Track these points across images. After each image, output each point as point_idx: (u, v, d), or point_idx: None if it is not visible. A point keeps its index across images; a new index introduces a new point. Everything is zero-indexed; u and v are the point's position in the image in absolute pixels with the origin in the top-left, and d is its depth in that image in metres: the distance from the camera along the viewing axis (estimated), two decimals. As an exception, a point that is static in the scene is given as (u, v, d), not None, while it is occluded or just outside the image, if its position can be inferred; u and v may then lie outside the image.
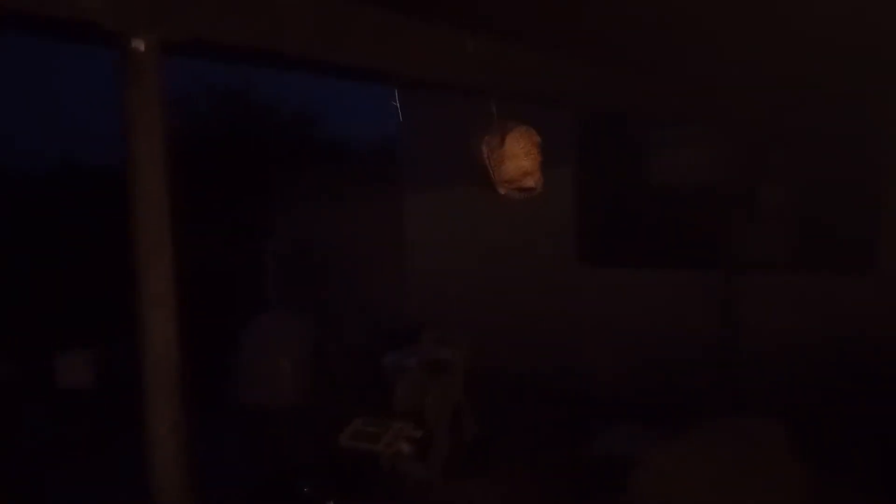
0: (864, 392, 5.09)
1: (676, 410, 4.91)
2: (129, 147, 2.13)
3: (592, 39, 3.69)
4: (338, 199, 8.03)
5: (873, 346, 5.30)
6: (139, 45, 2.17)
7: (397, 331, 6.36)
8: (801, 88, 4.96)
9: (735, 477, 3.78)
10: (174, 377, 2.05)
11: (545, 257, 7.07)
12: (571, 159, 6.96)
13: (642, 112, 5.03)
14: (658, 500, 3.83)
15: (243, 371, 5.37)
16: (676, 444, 3.94)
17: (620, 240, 6.93)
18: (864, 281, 5.78)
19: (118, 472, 3.74)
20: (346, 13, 2.85)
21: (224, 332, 5.61)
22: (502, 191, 3.50)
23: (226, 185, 8.95)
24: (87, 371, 5.88)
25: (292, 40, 2.71)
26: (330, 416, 4.99)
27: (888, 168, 5.71)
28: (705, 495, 3.74)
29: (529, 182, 3.51)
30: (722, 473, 3.79)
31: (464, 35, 3.36)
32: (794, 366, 5.58)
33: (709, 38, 3.75)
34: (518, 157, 3.46)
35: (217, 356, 5.38)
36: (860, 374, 5.24)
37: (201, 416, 2.69)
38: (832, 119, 5.55)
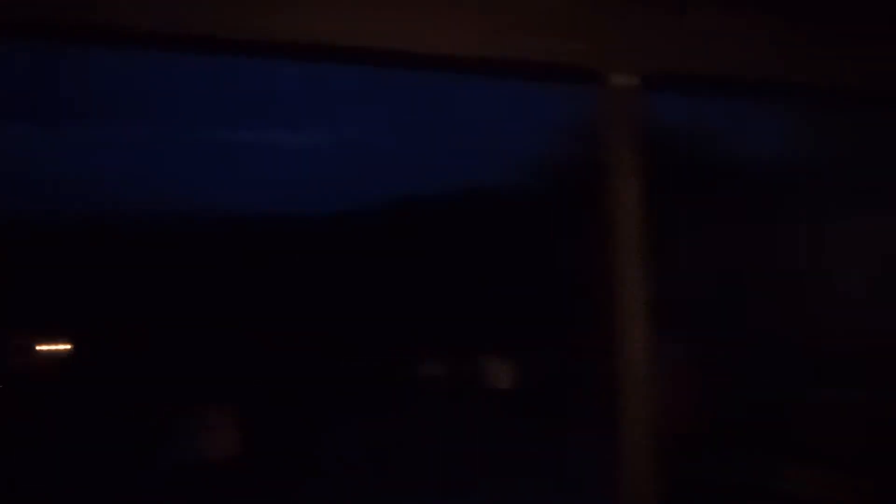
0: None
1: None
2: (611, 178, 2.35)
3: None
4: (747, 222, 7.75)
5: None
6: (620, 81, 2.38)
7: (821, 365, 5.92)
8: None
9: None
10: (649, 388, 2.22)
11: None
12: None
13: None
14: None
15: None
16: None
17: None
18: None
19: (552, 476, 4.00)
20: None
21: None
22: None
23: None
24: (508, 376, 6.47)
25: (750, 67, 2.73)
26: (725, 447, 4.81)
27: None
28: None
29: None
30: None
31: None
32: None
33: None
34: None
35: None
36: None
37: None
38: None
